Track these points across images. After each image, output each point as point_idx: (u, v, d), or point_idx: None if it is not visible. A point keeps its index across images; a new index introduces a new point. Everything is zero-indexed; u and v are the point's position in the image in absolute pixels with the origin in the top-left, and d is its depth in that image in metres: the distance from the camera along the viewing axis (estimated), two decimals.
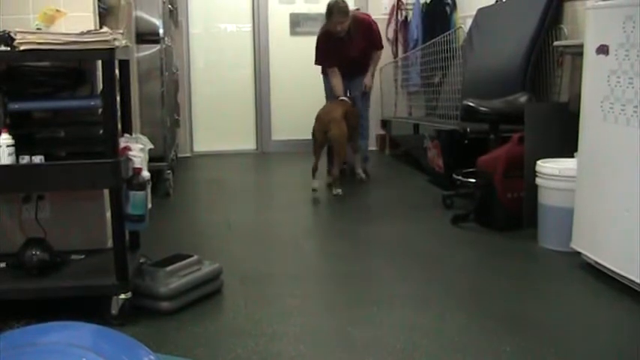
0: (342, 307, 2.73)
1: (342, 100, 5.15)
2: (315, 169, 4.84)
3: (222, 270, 2.87)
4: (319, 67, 5.46)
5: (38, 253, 2.60)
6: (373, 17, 5.53)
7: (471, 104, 4.07)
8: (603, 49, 2.87)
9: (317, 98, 5.53)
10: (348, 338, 2.40)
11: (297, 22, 7.01)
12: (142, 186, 2.57)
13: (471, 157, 4.09)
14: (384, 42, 6.56)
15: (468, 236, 3.75)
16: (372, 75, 5.50)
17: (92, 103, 2.68)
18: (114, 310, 2.50)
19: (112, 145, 2.46)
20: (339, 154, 4.87)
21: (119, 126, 2.66)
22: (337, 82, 5.30)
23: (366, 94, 5.49)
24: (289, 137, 6.94)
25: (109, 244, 2.92)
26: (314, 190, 4.77)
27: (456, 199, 4.33)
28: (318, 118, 4.90)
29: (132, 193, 2.55)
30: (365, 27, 5.28)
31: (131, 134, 2.81)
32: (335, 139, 4.83)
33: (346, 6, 5.11)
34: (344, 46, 5.21)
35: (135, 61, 4.46)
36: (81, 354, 1.35)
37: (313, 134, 4.93)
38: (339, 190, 4.75)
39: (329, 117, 4.84)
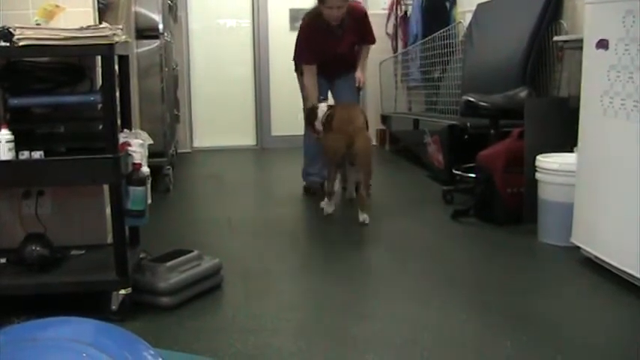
0: (341, 302, 2.73)
1: (352, 102, 4.41)
2: (331, 192, 4.09)
3: (222, 265, 2.88)
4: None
5: (38, 248, 2.60)
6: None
7: (470, 99, 4.07)
8: (603, 44, 2.87)
9: None
10: (348, 333, 2.40)
11: (297, 18, 6.98)
12: (141, 181, 2.57)
13: (470, 152, 4.09)
14: (384, 37, 6.58)
15: (468, 231, 3.76)
16: (364, 69, 4.66)
17: (92, 99, 2.68)
18: (114, 306, 2.50)
19: (112, 140, 2.45)
20: (367, 171, 3.94)
21: (119, 121, 2.66)
22: (312, 83, 4.41)
23: (358, 90, 4.68)
24: (289, 133, 6.94)
25: (109, 239, 2.91)
26: (327, 214, 4.06)
27: (456, 195, 4.33)
28: (339, 130, 3.91)
29: (132, 188, 2.54)
30: (359, 17, 4.45)
31: (131, 130, 2.80)
32: (363, 152, 3.86)
33: None
34: (332, 40, 4.39)
35: (134, 57, 4.46)
36: (81, 349, 1.35)
37: (328, 150, 4.03)
38: (366, 216, 3.86)
39: (352, 126, 3.88)
